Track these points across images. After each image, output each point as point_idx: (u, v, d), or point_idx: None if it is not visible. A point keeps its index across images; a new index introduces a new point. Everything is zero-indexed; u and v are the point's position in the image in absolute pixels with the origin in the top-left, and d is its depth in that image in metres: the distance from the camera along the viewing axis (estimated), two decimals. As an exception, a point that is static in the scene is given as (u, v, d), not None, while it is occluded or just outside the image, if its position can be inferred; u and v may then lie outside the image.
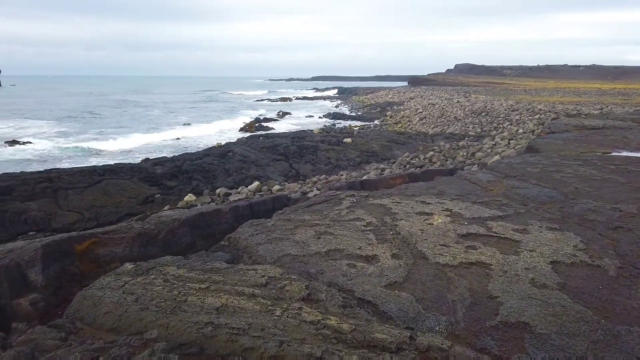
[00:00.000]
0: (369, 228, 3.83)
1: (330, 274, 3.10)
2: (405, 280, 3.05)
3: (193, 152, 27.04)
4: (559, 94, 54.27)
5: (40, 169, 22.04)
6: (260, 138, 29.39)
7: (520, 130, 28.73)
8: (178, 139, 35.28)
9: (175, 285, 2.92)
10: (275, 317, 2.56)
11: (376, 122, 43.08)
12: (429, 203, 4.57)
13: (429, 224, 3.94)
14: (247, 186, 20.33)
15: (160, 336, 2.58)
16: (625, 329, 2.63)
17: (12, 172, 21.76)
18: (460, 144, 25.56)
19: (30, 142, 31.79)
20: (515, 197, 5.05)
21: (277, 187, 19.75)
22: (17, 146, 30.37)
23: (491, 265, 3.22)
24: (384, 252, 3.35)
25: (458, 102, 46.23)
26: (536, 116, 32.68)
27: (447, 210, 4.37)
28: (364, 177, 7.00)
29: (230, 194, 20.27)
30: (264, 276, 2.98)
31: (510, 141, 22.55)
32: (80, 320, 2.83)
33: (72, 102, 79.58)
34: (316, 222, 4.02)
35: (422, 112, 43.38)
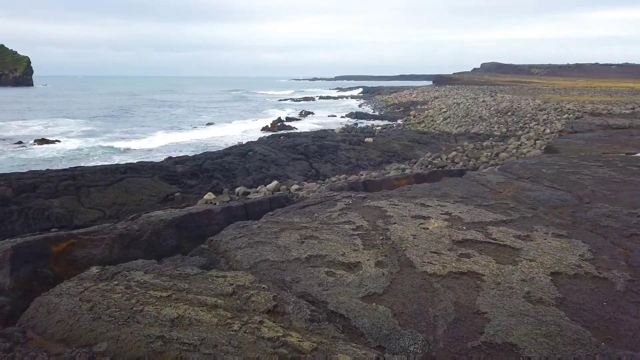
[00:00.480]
0: (357, 232, 3.55)
1: (306, 283, 2.83)
2: (386, 292, 2.75)
3: (214, 150, 27.14)
4: (589, 93, 52.63)
5: (66, 167, 22.45)
6: (282, 137, 29.27)
7: (548, 130, 27.87)
8: (200, 138, 35.47)
9: (136, 293, 2.70)
10: (231, 332, 2.31)
11: (399, 121, 42.50)
12: (428, 206, 4.25)
13: (424, 228, 3.63)
14: (266, 185, 20.24)
15: (109, 350, 2.37)
16: (628, 354, 2.28)
17: (38, 169, 22.21)
18: (484, 144, 24.91)
19: (59, 141, 32.41)
20: (525, 200, 4.68)
21: (295, 186, 19.59)
22: (46, 145, 31.01)
23: (484, 276, 2.89)
24: (368, 260, 3.06)
25: (484, 101, 45.22)
26: (564, 116, 31.67)
27: (446, 213, 4.04)
28: (368, 177, 6.59)
29: (249, 193, 20.19)
30: (232, 284, 2.73)
31: (537, 141, 21.85)
32: (32, 329, 2.64)
33: (102, 101, 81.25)
34: (304, 224, 3.76)
35: (446, 111, 42.61)
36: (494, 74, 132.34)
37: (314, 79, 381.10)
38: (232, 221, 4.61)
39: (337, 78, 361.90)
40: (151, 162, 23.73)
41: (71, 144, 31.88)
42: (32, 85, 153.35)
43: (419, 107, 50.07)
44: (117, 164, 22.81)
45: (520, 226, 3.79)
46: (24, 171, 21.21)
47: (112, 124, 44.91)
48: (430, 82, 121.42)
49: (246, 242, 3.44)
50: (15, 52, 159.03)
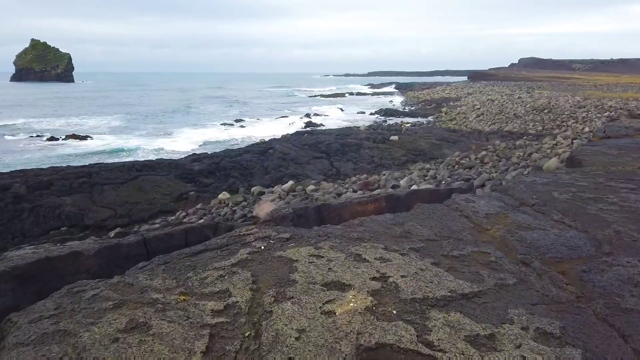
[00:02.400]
0: (217, 319, 2.17)
1: None
2: None
3: (234, 148, 26.18)
4: (634, 90, 48.96)
5: (85, 164, 21.96)
6: (305, 135, 28.11)
7: (587, 129, 25.75)
8: (227, 137, 34.62)
9: None
10: None
11: (430, 118, 40.64)
12: (363, 260, 2.81)
13: (328, 313, 2.23)
14: (282, 185, 19.06)
15: None
16: None
17: (58, 165, 21.81)
18: (517, 143, 23.18)
19: (90, 137, 32.30)
20: (516, 245, 3.18)
21: (312, 187, 18.30)
22: (77, 141, 30.89)
23: None
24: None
25: (519, 98, 42.70)
26: (605, 113, 29.47)
27: (381, 277, 2.59)
28: (325, 201, 5.03)
29: (264, 193, 19.07)
30: None
31: (574, 141, 19.93)
32: None
33: (144, 98, 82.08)
34: (157, 295, 2.43)
35: (479, 108, 40.44)
36: (532, 70, 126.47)
37: (347, 74, 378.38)
38: (122, 265, 3.36)
39: (370, 74, 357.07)
40: (169, 159, 22.96)
41: (100, 140, 31.66)
42: (73, 81, 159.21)
43: (451, 103, 47.78)
44: (134, 161, 22.14)
45: (489, 310, 2.30)
46: (44, 167, 20.86)
47: (149, 121, 44.79)
48: (465, 78, 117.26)
49: (44, 328, 2.14)
50: (58, 50, 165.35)
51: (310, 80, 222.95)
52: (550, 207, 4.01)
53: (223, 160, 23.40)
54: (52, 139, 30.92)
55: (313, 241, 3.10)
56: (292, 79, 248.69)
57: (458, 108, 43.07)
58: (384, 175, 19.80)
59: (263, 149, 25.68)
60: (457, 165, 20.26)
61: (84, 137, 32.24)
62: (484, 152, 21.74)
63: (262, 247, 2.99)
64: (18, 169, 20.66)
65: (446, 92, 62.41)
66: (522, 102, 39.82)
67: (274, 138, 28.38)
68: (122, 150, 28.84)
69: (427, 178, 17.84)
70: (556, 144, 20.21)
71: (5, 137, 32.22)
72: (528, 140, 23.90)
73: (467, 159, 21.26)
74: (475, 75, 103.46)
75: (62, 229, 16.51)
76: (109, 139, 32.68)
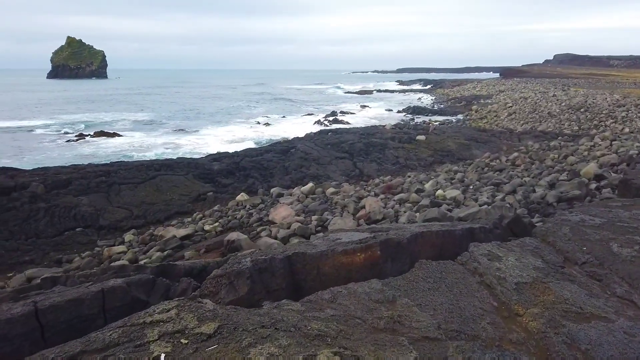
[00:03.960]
0: None
1: None
2: None
3: (255, 147, 25.15)
4: (678, 87, 45.60)
5: (106, 162, 21.31)
6: (329, 134, 26.88)
7: (627, 130, 23.62)
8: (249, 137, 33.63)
9: None
10: None
11: (459, 116, 38.67)
12: None
13: None
14: (302, 187, 17.94)
15: None
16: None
17: (80, 164, 21.20)
18: (552, 144, 21.33)
19: (117, 134, 31.62)
20: (566, 354, 1.87)
21: (331, 189, 17.07)
22: (105, 138, 30.26)
23: None
24: None
25: (554, 95, 40.21)
26: (647, 113, 27.19)
27: None
28: (302, 248, 3.52)
29: (282, 195, 17.94)
30: None
31: (613, 142, 18.05)
32: None
33: (175, 95, 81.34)
34: None
35: (512, 106, 38.25)
36: (567, 66, 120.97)
37: (376, 71, 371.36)
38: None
39: (399, 70, 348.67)
40: (188, 158, 22.06)
41: (127, 138, 30.83)
42: (107, 77, 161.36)
43: (482, 101, 45.47)
44: (153, 160, 21.33)
45: None
46: (65, 165, 20.29)
47: (179, 118, 43.84)
48: (497, 75, 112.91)
49: None
50: (92, 47, 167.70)
51: (338, 77, 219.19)
52: (609, 271, 2.67)
53: (243, 159, 22.31)
54: (80, 136, 30.47)
55: (247, 341, 1.88)
56: (320, 76, 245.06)
57: (489, 106, 40.87)
58: (409, 177, 18.35)
59: (284, 148, 24.48)
60: (486, 168, 18.61)
61: (113, 135, 31.72)
62: (515, 154, 20.02)
63: (162, 358, 1.80)
64: (41, 166, 20.14)
65: (477, 89, 59.66)
66: (557, 100, 37.43)
67: (297, 137, 27.24)
68: (147, 146, 28.18)
69: (454, 181, 16.31)
70: (594, 146, 18.39)
71: (34, 134, 32.15)
72: (563, 141, 21.97)
73: (498, 160, 19.55)
74: (507, 72, 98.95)
75: (77, 229, 15.85)
76: (138, 136, 32.04)
